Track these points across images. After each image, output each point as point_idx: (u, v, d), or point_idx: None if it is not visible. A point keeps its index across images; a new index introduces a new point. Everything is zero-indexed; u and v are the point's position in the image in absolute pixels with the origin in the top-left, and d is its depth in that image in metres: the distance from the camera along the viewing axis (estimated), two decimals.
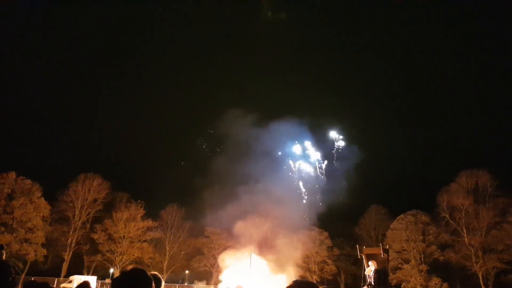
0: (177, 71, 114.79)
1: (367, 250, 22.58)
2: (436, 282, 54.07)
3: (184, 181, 69.14)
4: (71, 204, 56.40)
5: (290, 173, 64.10)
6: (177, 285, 61.26)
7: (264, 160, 57.88)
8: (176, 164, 79.65)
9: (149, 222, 58.20)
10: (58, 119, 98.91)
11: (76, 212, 56.44)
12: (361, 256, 21.85)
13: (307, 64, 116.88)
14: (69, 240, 55.26)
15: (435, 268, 55.81)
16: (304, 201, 59.60)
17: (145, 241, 57.84)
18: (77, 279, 45.94)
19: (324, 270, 62.24)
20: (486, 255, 51.97)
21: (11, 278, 6.19)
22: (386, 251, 21.08)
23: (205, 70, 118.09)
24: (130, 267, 2.93)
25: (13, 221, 49.67)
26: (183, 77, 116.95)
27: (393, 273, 54.13)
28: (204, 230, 61.48)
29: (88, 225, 58.40)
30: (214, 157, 62.93)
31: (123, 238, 56.15)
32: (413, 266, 55.43)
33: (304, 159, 65.99)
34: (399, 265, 56.56)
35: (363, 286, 19.25)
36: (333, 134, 69.20)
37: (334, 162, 66.69)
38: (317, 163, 66.18)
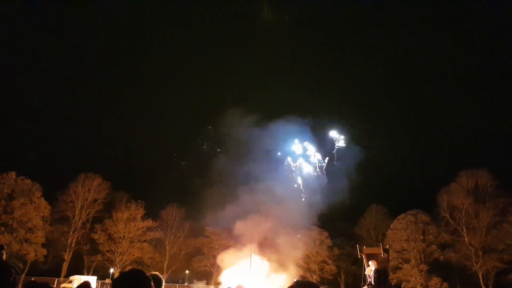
0: (177, 71, 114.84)
1: (367, 250, 22.54)
2: (436, 282, 54.07)
3: (184, 181, 69.15)
4: (71, 204, 56.38)
5: (290, 173, 64.23)
6: (177, 285, 61.26)
7: (264, 160, 58.03)
8: (176, 164, 79.68)
9: (149, 222, 58.18)
10: (58, 119, 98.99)
11: (76, 212, 56.42)
12: (361, 256, 21.83)
13: (307, 64, 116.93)
14: (69, 240, 55.24)
15: (435, 268, 55.80)
16: (304, 201, 59.70)
17: (145, 241, 57.83)
18: (77, 279, 45.98)
19: (324, 270, 62.23)
20: (486, 255, 51.95)
21: (11, 278, 6.19)
22: (386, 251, 21.06)
23: (205, 70, 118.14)
24: (128, 268, 2.93)
25: (13, 221, 49.65)
26: (183, 77, 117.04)
27: (393, 273, 54.12)
28: (204, 230, 61.49)
29: (88, 225, 58.37)
30: (214, 157, 63.13)
31: (123, 238, 56.14)
32: (413, 266, 55.43)
33: (304, 159, 66.11)
34: (399, 265, 56.56)
35: (363, 286, 19.26)
36: (333, 134, 69.36)
37: (335, 162, 66.81)
38: (317, 163, 66.28)
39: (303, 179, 64.09)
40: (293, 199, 56.17)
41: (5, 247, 7.25)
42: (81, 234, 56.48)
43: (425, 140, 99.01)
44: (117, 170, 73.59)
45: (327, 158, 66.91)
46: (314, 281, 52.24)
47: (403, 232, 57.10)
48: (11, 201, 50.26)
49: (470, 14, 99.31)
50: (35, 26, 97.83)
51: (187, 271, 66.01)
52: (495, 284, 51.69)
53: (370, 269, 18.48)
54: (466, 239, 53.59)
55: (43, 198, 52.63)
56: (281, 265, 48.76)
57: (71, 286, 45.15)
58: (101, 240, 55.73)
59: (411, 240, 56.58)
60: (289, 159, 64.69)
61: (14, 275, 6.45)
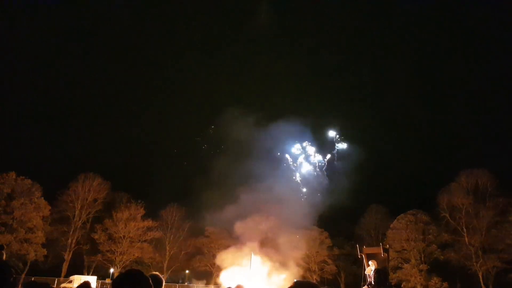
0: (178, 71, 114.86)
1: (367, 249, 22.52)
2: (436, 282, 54.08)
3: (184, 181, 69.18)
4: (71, 204, 56.36)
5: (290, 173, 64.20)
6: (177, 285, 61.27)
7: (265, 160, 58.04)
8: (176, 164, 79.72)
9: (149, 222, 58.17)
10: (58, 119, 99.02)
11: (76, 212, 56.41)
12: (361, 255, 21.82)
13: (308, 65, 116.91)
14: (69, 240, 55.22)
15: (435, 267, 55.81)
16: (304, 201, 59.68)
17: (145, 241, 57.80)
18: (77, 279, 45.98)
19: (324, 270, 62.26)
20: (486, 255, 51.95)
21: (11, 278, 6.19)
22: (386, 250, 21.05)
23: (205, 70, 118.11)
24: (128, 268, 2.93)
25: (13, 221, 49.63)
26: (183, 77, 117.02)
27: (393, 273, 54.16)
28: (205, 230, 61.51)
29: (88, 225, 58.35)
30: (214, 157, 63.10)
31: (123, 238, 56.13)
32: (413, 266, 55.45)
33: (304, 159, 66.07)
34: (399, 265, 56.59)
35: (363, 285, 19.25)
36: (334, 134, 69.32)
37: (335, 162, 66.77)
38: (317, 162, 66.26)
39: (303, 179, 64.09)
40: (293, 199, 56.11)
41: (5, 247, 7.25)
42: (81, 234, 56.47)
43: (425, 140, 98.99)
44: (117, 170, 73.56)
45: (327, 158, 66.89)
46: (314, 281, 52.35)
47: (403, 232, 57.12)
48: (11, 201, 50.23)
49: (470, 14, 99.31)
50: (35, 26, 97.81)
51: (187, 271, 66.03)
52: (495, 284, 51.68)
53: (370, 269, 18.47)
54: (466, 239, 53.60)
55: (43, 198, 52.61)
56: (281, 265, 48.79)
57: (71, 286, 45.17)
58: (101, 240, 55.72)
59: (411, 240, 56.60)
60: (289, 159, 64.68)
61: (14, 275, 6.45)
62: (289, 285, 2.98)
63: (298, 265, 53.56)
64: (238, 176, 53.23)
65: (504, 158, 76.94)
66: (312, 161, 66.01)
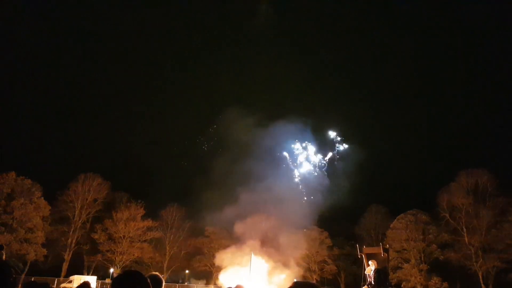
0: (178, 71, 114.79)
1: (367, 249, 22.47)
2: (436, 282, 54.07)
3: (184, 181, 69.18)
4: (71, 204, 56.36)
5: (290, 173, 64.23)
6: (177, 285, 61.25)
7: (265, 160, 58.08)
8: (176, 164, 79.72)
9: (149, 222, 58.15)
10: (58, 119, 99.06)
11: (76, 212, 56.40)
12: (361, 255, 21.78)
13: (308, 65, 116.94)
14: (69, 240, 55.22)
15: (435, 267, 55.79)
16: (304, 201, 59.70)
17: (145, 241, 57.80)
18: (77, 279, 45.97)
19: (324, 270, 62.24)
20: (486, 255, 51.94)
21: (11, 278, 6.19)
22: (386, 250, 21.01)
23: (205, 71, 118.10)
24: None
25: (13, 221, 49.62)
26: (183, 78, 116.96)
27: (393, 273, 54.15)
28: (205, 229, 61.49)
29: (88, 225, 58.35)
30: (214, 157, 63.08)
31: (123, 238, 56.11)
32: (413, 266, 55.44)
33: (305, 159, 66.11)
34: (399, 265, 56.57)
35: (363, 285, 19.24)
36: (334, 134, 69.36)
37: (335, 162, 66.82)
38: (317, 163, 66.28)
39: (304, 179, 64.12)
40: (293, 199, 56.15)
41: (5, 247, 7.26)
42: (81, 234, 56.47)
43: (425, 140, 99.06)
44: (117, 170, 73.63)
45: (328, 158, 66.93)
46: (314, 281, 52.37)
47: (403, 231, 57.10)
48: (11, 201, 50.22)
49: (470, 14, 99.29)
50: (35, 26, 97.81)
51: (187, 271, 66.02)
52: (495, 283, 51.67)
53: (370, 268, 18.44)
54: (466, 238, 53.59)
55: (43, 198, 52.61)
56: (281, 265, 48.79)
57: (71, 286, 45.14)
58: (101, 240, 55.72)
59: (411, 240, 56.59)
60: (289, 159, 64.71)
61: (14, 275, 6.46)
62: (288, 285, 2.98)
63: (298, 265, 53.57)
64: (238, 176, 53.29)
65: (504, 158, 77.01)
66: (312, 161, 66.08)
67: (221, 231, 59.30)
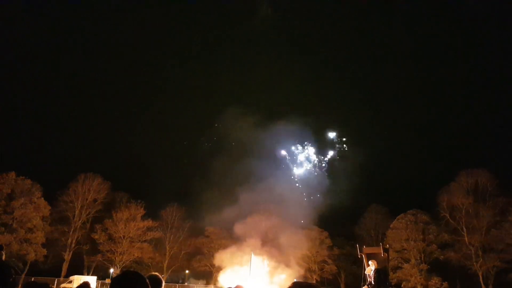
0: (178, 71, 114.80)
1: (367, 249, 22.45)
2: (436, 282, 54.07)
3: (184, 181, 69.18)
4: (71, 204, 56.36)
5: (290, 173, 64.27)
6: (177, 285, 61.25)
7: (265, 160, 58.14)
8: (176, 164, 79.71)
9: (149, 222, 58.15)
10: (58, 119, 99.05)
11: (76, 212, 56.40)
12: (361, 255, 21.77)
13: (308, 65, 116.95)
14: (69, 240, 55.22)
15: (435, 267, 55.79)
16: (304, 201, 59.74)
17: (145, 241, 57.78)
18: (77, 279, 45.97)
19: (324, 270, 62.21)
20: (486, 255, 51.95)
21: (11, 278, 6.19)
22: (386, 250, 21.00)
23: (206, 71, 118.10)
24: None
25: (13, 221, 49.63)
26: (184, 78, 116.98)
27: (393, 273, 54.14)
28: (204, 230, 61.48)
29: (88, 225, 58.35)
30: (214, 157, 63.11)
31: (123, 238, 56.10)
32: (413, 266, 55.43)
33: (305, 159, 66.15)
34: (399, 265, 56.56)
35: (363, 285, 19.24)
36: (334, 134, 69.42)
37: (335, 162, 66.85)
38: (317, 163, 66.32)
39: (304, 179, 64.16)
40: (293, 199, 56.18)
41: (5, 247, 7.26)
42: (81, 234, 56.46)
43: (425, 140, 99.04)
44: (117, 170, 73.60)
45: (328, 158, 66.96)
46: (314, 281, 52.35)
47: (403, 231, 57.10)
48: (11, 201, 50.24)
49: (470, 13, 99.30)
50: (35, 26, 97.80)
51: (187, 271, 66.01)
52: (495, 283, 51.67)
53: (370, 268, 18.44)
54: (466, 238, 53.59)
55: (43, 198, 52.62)
56: (281, 265, 48.80)
57: (71, 286, 45.14)
58: (101, 240, 55.71)
59: (411, 240, 56.57)
60: (289, 159, 64.74)
61: (14, 275, 6.45)
62: (288, 286, 2.98)
63: (298, 265, 53.58)
64: (238, 176, 53.33)
65: (504, 158, 76.95)
66: (312, 161, 66.12)
67: (221, 231, 59.31)
